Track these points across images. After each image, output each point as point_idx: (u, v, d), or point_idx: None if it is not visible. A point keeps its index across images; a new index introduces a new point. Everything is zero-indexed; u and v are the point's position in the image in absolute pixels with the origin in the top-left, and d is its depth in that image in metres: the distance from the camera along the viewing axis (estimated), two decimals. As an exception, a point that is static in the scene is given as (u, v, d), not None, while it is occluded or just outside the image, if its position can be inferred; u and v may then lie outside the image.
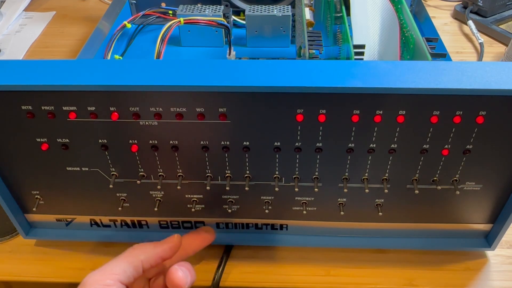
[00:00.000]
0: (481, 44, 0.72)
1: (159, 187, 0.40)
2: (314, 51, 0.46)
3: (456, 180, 0.39)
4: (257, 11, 0.65)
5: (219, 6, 0.66)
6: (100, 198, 0.43)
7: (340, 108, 0.34)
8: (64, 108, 0.35)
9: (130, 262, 0.36)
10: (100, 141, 0.38)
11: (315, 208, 0.43)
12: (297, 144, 0.37)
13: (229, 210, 0.43)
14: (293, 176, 0.40)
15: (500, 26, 0.77)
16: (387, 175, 0.39)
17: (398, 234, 0.45)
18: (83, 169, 0.40)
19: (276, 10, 0.65)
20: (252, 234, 0.46)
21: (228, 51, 0.64)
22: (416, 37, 0.45)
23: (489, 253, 0.46)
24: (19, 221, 0.44)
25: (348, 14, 0.51)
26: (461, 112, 0.34)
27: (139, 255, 0.37)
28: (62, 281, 0.45)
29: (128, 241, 0.46)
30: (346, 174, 0.39)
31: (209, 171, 0.40)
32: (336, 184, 0.40)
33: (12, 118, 0.36)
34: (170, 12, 0.69)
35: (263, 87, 0.33)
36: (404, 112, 0.34)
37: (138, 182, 0.40)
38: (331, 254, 0.46)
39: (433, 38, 0.44)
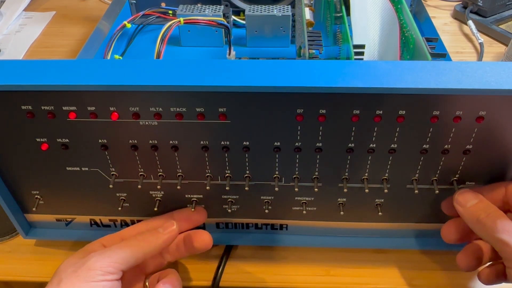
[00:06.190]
0: (481, 44, 0.72)
1: (159, 187, 0.40)
2: (314, 51, 0.46)
3: (456, 180, 0.39)
4: (257, 11, 0.65)
5: (219, 6, 0.66)
6: (100, 198, 0.43)
7: (340, 108, 0.34)
8: (64, 108, 0.35)
9: (134, 253, 0.36)
10: (100, 141, 0.38)
11: (315, 208, 0.43)
12: (297, 144, 0.37)
13: (229, 210, 0.43)
14: (293, 176, 0.40)
15: (500, 26, 0.77)
16: (387, 175, 0.39)
17: (398, 234, 0.45)
18: (83, 169, 0.40)
19: (276, 10, 0.65)
20: (252, 234, 0.46)
21: (228, 51, 0.64)
22: (416, 37, 0.45)
23: (489, 253, 0.46)
24: (19, 221, 0.44)
25: (348, 14, 0.51)
26: (461, 112, 0.34)
27: (145, 248, 0.37)
28: (62, 281, 0.45)
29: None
30: (346, 174, 0.39)
31: (209, 171, 0.40)
32: (336, 184, 0.40)
33: (12, 118, 0.36)
34: (170, 12, 0.69)
35: (263, 87, 0.33)
36: (404, 112, 0.34)
37: (139, 186, 0.40)
38: (331, 254, 0.46)
39: (433, 38, 0.44)
